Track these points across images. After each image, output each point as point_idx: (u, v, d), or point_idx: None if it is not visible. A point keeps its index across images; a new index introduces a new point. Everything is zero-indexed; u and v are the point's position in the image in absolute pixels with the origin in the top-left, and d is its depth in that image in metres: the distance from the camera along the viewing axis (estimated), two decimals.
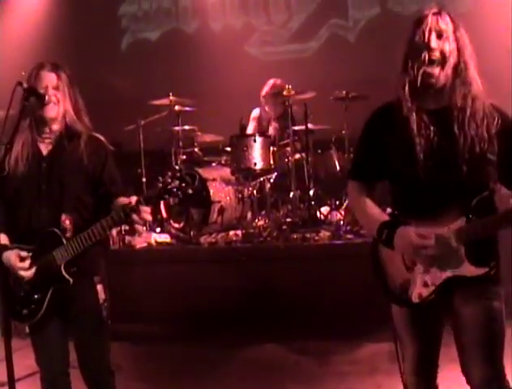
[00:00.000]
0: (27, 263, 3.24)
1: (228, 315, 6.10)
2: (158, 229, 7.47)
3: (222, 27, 9.67)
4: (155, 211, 7.45)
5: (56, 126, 3.38)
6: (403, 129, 2.69)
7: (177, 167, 7.30)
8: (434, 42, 2.66)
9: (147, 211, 3.10)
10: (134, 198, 3.11)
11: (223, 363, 5.45)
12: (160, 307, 6.41)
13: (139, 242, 7.07)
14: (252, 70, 8.78)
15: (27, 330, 3.36)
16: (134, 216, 3.08)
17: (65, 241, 3.21)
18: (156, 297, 6.48)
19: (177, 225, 7.44)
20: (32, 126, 3.36)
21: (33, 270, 3.25)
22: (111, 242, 6.81)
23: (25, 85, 3.22)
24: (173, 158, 7.68)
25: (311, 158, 7.37)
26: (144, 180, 7.60)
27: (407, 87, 2.69)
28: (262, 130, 7.70)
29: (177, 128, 7.72)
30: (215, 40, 9.42)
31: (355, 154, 2.91)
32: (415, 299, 2.72)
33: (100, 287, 3.36)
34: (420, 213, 2.68)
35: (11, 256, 3.24)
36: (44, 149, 3.38)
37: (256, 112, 8.01)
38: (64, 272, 3.22)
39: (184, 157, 7.75)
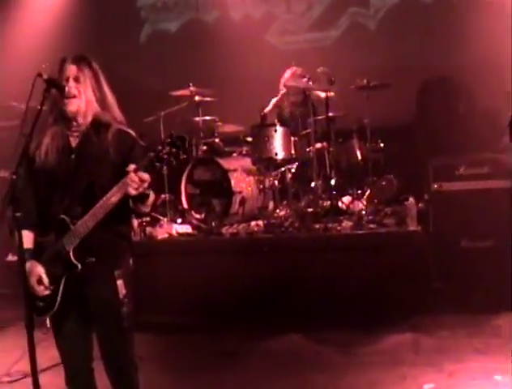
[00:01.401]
0: (41, 288, 3.22)
1: (250, 306, 6.09)
2: (179, 220, 7.46)
3: (242, 16, 9.63)
4: (176, 202, 7.46)
5: (81, 119, 3.35)
6: None
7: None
8: None
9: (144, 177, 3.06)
10: (132, 166, 3.07)
11: (244, 354, 5.45)
12: (181, 298, 6.40)
13: (161, 233, 7.08)
14: (272, 60, 8.73)
15: (48, 324, 3.33)
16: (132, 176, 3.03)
17: (72, 227, 3.20)
18: (178, 288, 6.48)
19: (198, 216, 7.42)
20: (58, 119, 3.36)
21: (47, 292, 3.23)
22: (132, 234, 6.86)
23: (45, 76, 3.21)
24: (194, 149, 7.67)
25: (332, 147, 7.32)
26: (166, 172, 7.46)
27: None
28: (282, 119, 7.63)
29: (197, 119, 7.71)
30: (235, 30, 9.39)
31: None
32: None
33: (120, 282, 3.29)
34: None
35: (33, 272, 3.20)
36: (73, 141, 3.36)
37: (275, 100, 7.95)
38: (72, 258, 3.19)
39: (204, 148, 7.73)
